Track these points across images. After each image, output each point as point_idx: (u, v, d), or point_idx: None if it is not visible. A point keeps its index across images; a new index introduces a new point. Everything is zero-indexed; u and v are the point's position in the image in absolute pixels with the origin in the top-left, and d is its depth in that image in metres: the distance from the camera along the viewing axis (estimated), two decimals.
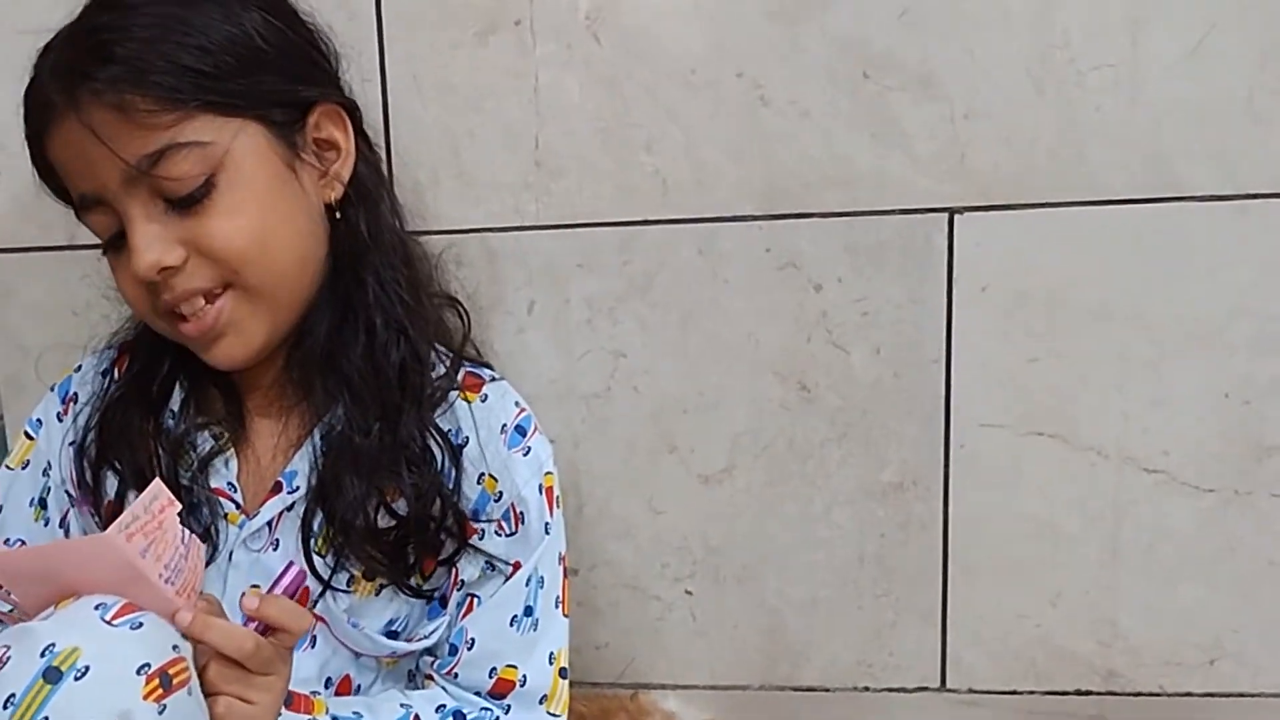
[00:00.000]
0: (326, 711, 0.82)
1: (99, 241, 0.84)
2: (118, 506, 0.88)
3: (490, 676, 0.89)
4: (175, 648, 0.67)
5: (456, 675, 0.90)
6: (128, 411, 0.89)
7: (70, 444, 0.91)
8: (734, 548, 1.07)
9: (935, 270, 0.99)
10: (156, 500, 0.70)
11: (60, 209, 0.86)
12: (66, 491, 0.92)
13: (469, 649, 0.89)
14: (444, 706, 0.89)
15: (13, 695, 0.62)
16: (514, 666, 0.89)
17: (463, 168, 1.02)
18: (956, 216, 0.98)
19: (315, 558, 0.85)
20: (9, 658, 0.64)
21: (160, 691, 0.65)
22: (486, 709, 0.89)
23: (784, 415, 1.04)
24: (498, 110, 1.01)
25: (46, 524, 0.93)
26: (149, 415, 0.89)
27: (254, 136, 0.81)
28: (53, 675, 0.62)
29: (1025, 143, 0.97)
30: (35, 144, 0.83)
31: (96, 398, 0.91)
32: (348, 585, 0.87)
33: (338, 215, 0.87)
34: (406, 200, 1.00)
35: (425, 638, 0.89)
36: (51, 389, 0.95)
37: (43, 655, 0.63)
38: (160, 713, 0.64)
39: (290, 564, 0.78)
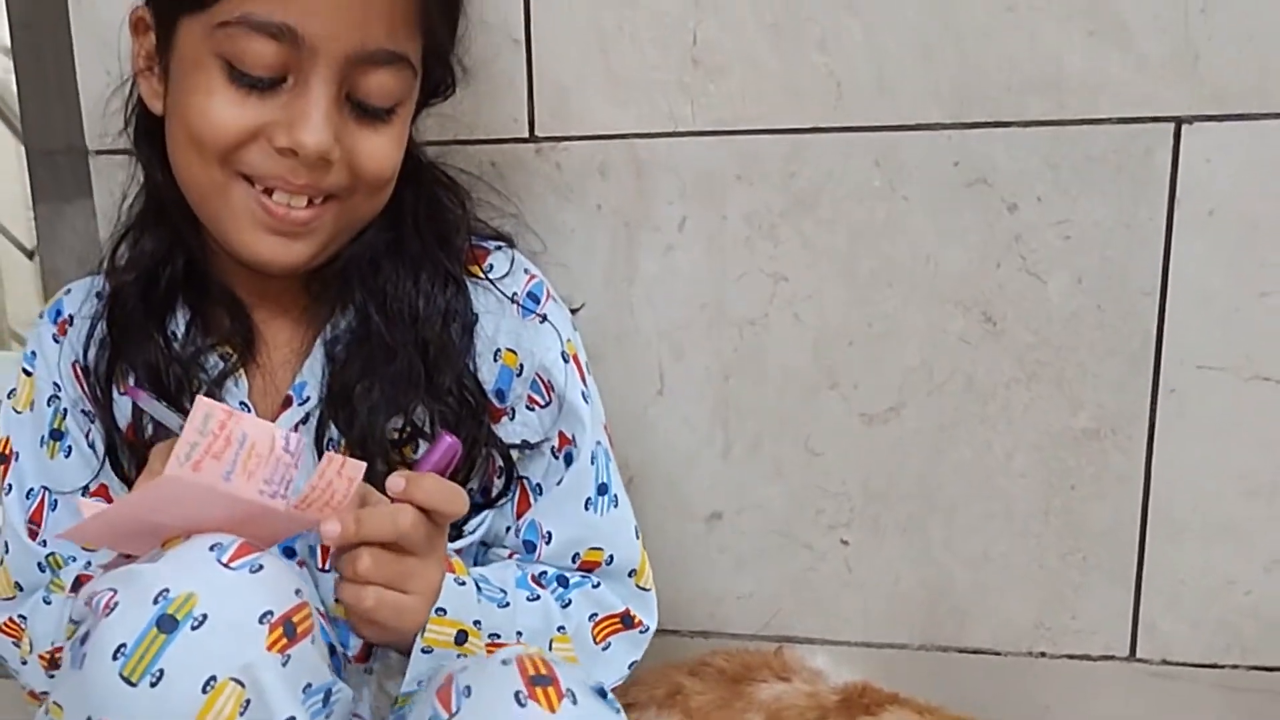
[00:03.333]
0: (467, 571, 0.76)
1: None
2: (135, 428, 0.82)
3: (573, 561, 0.85)
4: (298, 592, 0.63)
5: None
6: (136, 325, 0.82)
7: (73, 363, 0.84)
8: (898, 495, 0.99)
9: (1155, 189, 0.89)
10: (211, 418, 0.61)
11: None
12: (82, 411, 0.85)
13: (548, 543, 0.84)
14: (545, 574, 0.84)
15: (123, 646, 0.58)
16: (599, 549, 0.85)
17: (610, 66, 0.94)
18: (1184, 127, 0.88)
19: None
20: (116, 603, 0.59)
21: (285, 641, 0.61)
22: (586, 576, 0.86)
23: (964, 350, 0.95)
24: (651, 1, 0.92)
25: (69, 454, 0.85)
26: (159, 328, 0.82)
27: (414, 80, 0.79)
28: (167, 624, 0.58)
29: (1271, 43, 0.86)
30: None
31: (94, 319, 0.84)
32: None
33: None
34: (547, 103, 0.95)
35: (472, 532, 0.84)
36: (40, 316, 0.88)
37: (155, 602, 0.59)
38: (284, 664, 0.60)
39: (442, 435, 0.72)
